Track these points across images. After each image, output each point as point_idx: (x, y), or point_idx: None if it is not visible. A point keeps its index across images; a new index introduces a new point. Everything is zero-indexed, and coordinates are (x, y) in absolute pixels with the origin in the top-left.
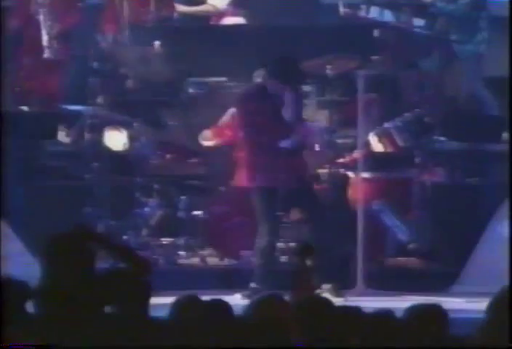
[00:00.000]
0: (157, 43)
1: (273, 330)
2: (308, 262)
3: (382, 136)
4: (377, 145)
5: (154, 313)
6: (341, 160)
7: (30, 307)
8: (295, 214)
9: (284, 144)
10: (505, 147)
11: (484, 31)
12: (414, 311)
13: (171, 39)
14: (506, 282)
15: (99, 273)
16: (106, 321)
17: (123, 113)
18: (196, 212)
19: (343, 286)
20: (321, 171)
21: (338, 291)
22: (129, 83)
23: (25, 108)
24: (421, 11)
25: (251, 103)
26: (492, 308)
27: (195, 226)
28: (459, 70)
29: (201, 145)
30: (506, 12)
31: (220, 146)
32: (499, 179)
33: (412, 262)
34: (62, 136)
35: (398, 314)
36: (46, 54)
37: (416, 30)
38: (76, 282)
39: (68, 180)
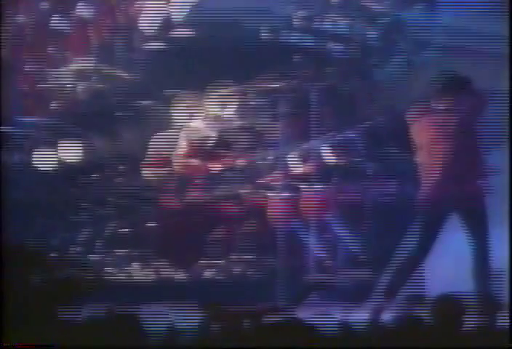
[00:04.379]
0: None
1: None
2: None
3: (335, 147)
4: (330, 157)
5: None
6: (294, 172)
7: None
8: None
9: None
10: None
11: (437, 40)
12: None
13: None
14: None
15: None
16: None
17: (77, 125)
18: (150, 224)
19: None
20: (273, 183)
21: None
22: (84, 95)
23: None
24: (373, 22)
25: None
26: None
27: (149, 238)
28: (415, 80)
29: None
30: (459, 23)
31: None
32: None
33: (363, 273)
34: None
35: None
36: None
37: (369, 42)
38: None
39: (21, 192)
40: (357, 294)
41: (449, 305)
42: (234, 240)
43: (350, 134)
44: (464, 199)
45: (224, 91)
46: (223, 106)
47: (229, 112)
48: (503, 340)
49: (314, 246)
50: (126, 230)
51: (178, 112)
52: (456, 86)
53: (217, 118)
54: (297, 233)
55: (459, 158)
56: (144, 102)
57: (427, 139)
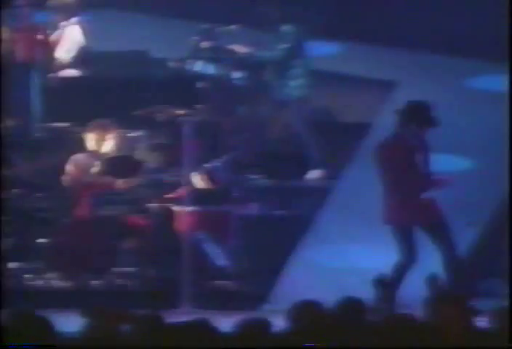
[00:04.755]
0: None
1: None
2: None
3: (204, 174)
4: (199, 183)
5: None
6: (168, 195)
7: None
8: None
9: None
10: (307, 183)
11: (302, 77)
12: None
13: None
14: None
15: None
16: None
17: None
18: (41, 240)
19: (169, 306)
20: (150, 205)
21: None
22: None
23: None
24: (241, 63)
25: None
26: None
27: (40, 252)
28: (280, 115)
29: (45, 182)
30: (323, 66)
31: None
32: (303, 212)
33: (230, 284)
34: None
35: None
36: None
37: (235, 81)
38: None
39: None
40: (223, 303)
41: (311, 311)
42: (116, 254)
43: (218, 162)
44: (422, 214)
45: (103, 125)
46: (102, 140)
47: (108, 145)
48: (503, 340)
49: (216, 256)
50: (20, 245)
51: (65, 143)
52: (419, 116)
53: (96, 152)
54: (202, 243)
55: (412, 176)
56: (36, 135)
57: (386, 160)
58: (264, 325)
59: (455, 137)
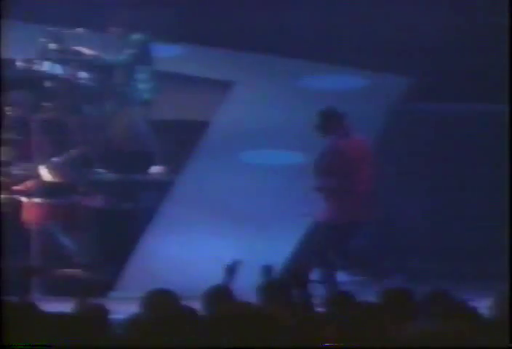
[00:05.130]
0: None
1: None
2: None
3: (52, 168)
4: (47, 176)
5: None
6: (17, 187)
7: None
8: None
9: None
10: (150, 177)
11: (148, 81)
12: None
13: None
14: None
15: None
16: None
17: None
18: None
19: (22, 295)
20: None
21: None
22: None
23: None
24: (88, 64)
25: None
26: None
27: None
28: (125, 114)
29: None
30: (166, 67)
31: None
32: (147, 204)
33: (78, 272)
34: None
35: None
36: None
37: (81, 81)
38: None
39: None
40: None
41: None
42: None
43: (65, 157)
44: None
45: None
46: None
47: None
48: (503, 340)
49: (65, 245)
50: None
51: None
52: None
53: None
54: (51, 233)
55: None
56: None
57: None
58: (102, 310)
59: (290, 134)
